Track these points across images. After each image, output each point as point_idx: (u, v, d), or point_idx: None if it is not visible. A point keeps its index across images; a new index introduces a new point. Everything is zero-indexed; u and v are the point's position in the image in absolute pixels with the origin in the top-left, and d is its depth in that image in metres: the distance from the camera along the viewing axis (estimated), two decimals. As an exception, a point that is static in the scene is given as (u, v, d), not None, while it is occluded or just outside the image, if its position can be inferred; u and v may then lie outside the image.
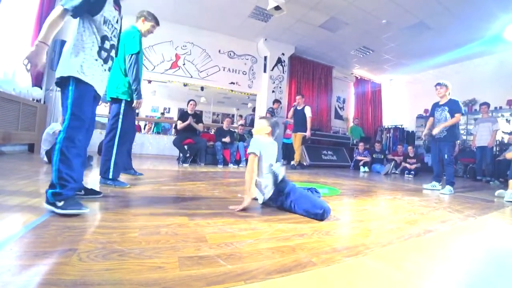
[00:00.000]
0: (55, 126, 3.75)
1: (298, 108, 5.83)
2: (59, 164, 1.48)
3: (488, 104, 5.80)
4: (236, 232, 1.38)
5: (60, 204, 1.41)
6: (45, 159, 3.57)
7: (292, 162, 5.81)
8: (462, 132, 7.66)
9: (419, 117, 8.89)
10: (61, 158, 1.49)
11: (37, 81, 5.00)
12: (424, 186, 3.93)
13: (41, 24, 4.92)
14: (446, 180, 3.60)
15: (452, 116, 3.71)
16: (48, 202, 1.45)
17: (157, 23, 2.69)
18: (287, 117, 5.93)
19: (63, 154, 1.49)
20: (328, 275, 0.97)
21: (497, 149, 6.21)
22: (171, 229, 1.34)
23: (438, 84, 3.91)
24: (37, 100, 5.04)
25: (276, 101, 6.67)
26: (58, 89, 1.63)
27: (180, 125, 5.07)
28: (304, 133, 5.62)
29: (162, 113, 12.42)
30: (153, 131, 10.13)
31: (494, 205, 2.83)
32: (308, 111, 5.66)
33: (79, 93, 1.58)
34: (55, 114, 5.29)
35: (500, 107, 6.80)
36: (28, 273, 0.82)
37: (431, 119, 4.00)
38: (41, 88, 5.15)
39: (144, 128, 9.87)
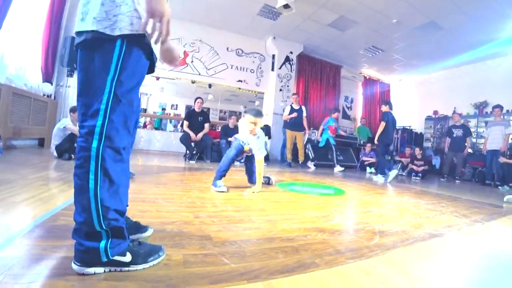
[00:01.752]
0: (66, 121, 3.84)
1: (295, 107, 5.85)
2: (102, 194, 0.85)
3: (501, 107, 5.66)
4: (240, 231, 1.39)
5: (128, 258, 0.89)
6: (55, 153, 3.67)
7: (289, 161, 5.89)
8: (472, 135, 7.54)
9: (428, 118, 8.77)
10: (103, 181, 0.85)
11: (48, 77, 5.09)
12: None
13: (52, 20, 5.01)
14: (378, 169, 5.17)
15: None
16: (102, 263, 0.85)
17: None
18: (285, 117, 5.97)
19: (106, 173, 0.85)
20: (331, 277, 0.97)
21: (507, 153, 6.07)
22: (177, 226, 1.35)
23: (382, 103, 5.54)
24: (47, 96, 5.13)
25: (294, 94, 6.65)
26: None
27: (186, 127, 5.11)
28: (304, 132, 5.96)
29: (164, 109, 12.64)
30: (154, 126, 10.26)
31: (503, 210, 2.77)
32: (304, 111, 5.99)
33: (133, 61, 0.90)
34: (65, 109, 5.37)
35: (513, 110, 6.64)
36: (38, 266, 0.85)
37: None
38: (52, 84, 5.23)
39: (145, 125, 9.82)
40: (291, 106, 5.90)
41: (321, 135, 6.40)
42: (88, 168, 0.83)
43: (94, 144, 0.83)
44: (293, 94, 6.35)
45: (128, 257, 0.89)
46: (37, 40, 4.85)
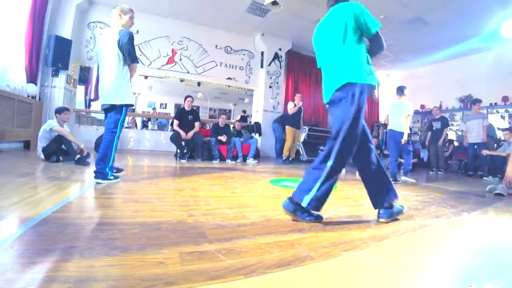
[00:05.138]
0: (52, 122, 3.71)
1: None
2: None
3: (480, 102, 6.02)
4: (235, 227, 1.40)
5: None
6: (42, 156, 3.55)
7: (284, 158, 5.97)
8: (457, 127, 7.74)
9: (416, 113, 8.94)
10: None
11: (32, 77, 4.95)
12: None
13: (34, 20, 4.86)
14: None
15: None
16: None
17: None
18: (291, 110, 6.06)
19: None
20: (326, 269, 0.99)
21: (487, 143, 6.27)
22: (171, 225, 1.35)
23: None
24: (32, 97, 4.99)
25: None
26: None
27: (176, 126, 5.06)
28: (298, 130, 6.06)
29: (154, 108, 12.63)
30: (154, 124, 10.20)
31: (486, 200, 2.89)
32: (302, 111, 6.18)
33: None
34: (50, 111, 5.24)
35: (495, 103, 6.85)
36: (31, 270, 0.83)
37: None
38: (36, 85, 5.09)
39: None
40: (294, 104, 6.01)
41: None
42: None
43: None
44: (297, 93, 6.45)
45: None
46: (20, 40, 4.70)
